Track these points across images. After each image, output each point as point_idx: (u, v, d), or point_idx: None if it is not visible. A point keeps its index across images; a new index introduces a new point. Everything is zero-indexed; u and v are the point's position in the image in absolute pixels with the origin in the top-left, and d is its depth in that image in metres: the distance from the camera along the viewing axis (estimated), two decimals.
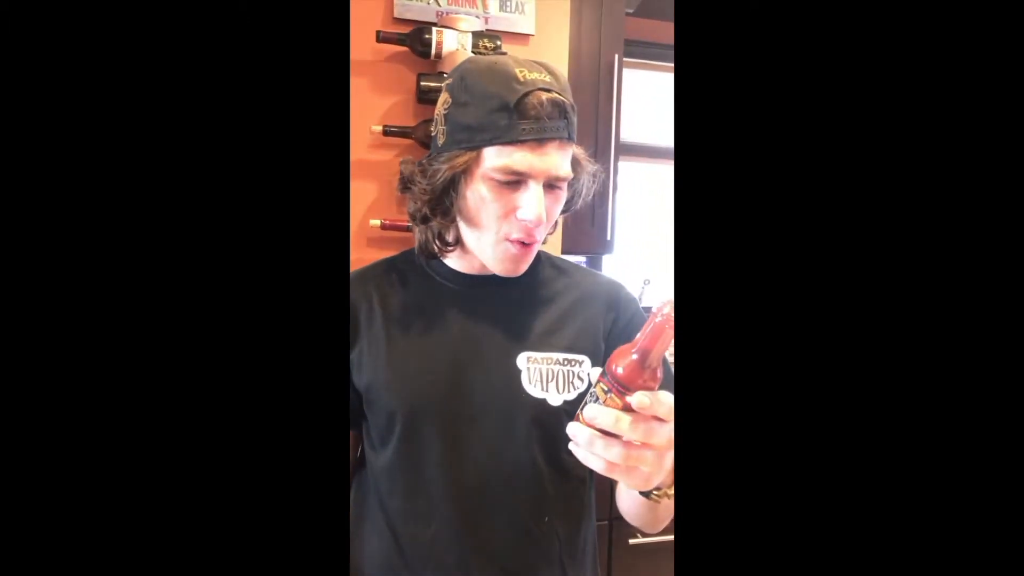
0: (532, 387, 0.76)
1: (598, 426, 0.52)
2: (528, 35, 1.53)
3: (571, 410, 0.76)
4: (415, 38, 1.38)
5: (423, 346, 0.78)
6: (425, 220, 0.78)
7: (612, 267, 2.18)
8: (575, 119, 0.74)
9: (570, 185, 0.78)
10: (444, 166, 0.73)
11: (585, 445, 0.53)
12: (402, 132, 1.39)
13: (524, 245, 0.76)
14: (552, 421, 0.76)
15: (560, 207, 0.77)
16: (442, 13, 1.44)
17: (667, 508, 0.68)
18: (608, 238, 1.80)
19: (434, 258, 0.83)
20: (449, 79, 0.76)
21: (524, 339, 0.79)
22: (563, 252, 1.68)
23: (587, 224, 1.76)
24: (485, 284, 0.82)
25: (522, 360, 0.77)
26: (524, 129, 0.69)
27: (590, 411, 0.53)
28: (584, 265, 2.10)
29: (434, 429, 0.75)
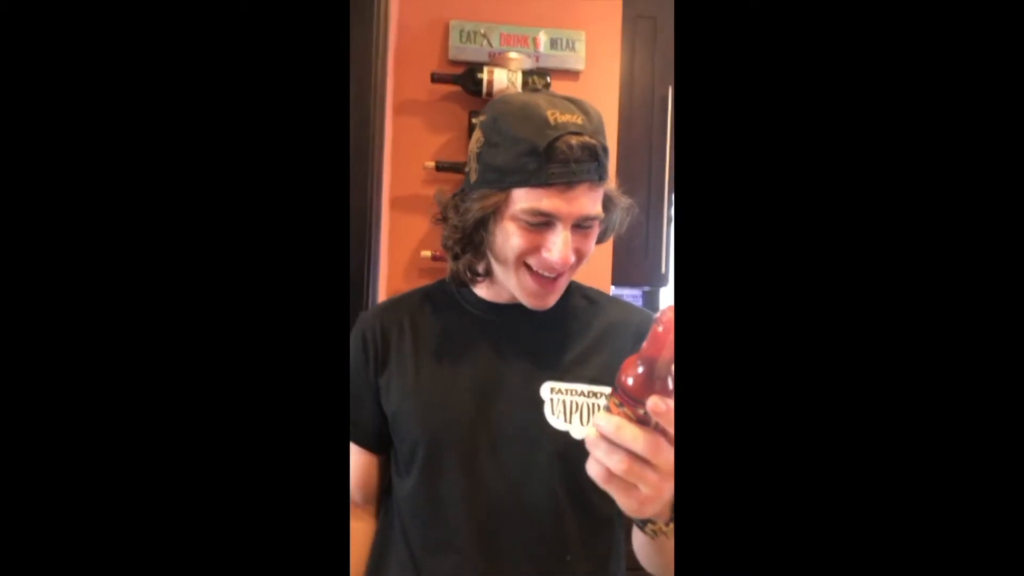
0: (555, 419, 0.75)
1: (601, 432, 0.51)
2: (578, 71, 1.56)
3: None
4: (467, 78, 1.44)
5: (449, 374, 0.79)
6: (456, 257, 0.81)
7: (669, 301, 2.13)
8: (606, 160, 0.74)
9: (601, 221, 0.78)
10: (475, 206, 0.75)
11: (589, 446, 0.52)
12: (453, 167, 1.44)
13: (546, 279, 0.76)
14: (575, 454, 0.73)
15: (591, 244, 0.77)
16: (494, 53, 1.49)
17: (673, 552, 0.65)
18: (662, 271, 1.77)
19: (465, 287, 0.85)
20: (483, 116, 0.78)
21: (549, 369, 0.78)
22: (614, 284, 1.67)
23: (640, 257, 1.74)
24: (512, 313, 0.82)
25: (546, 390, 0.76)
26: (553, 173, 0.69)
27: (598, 417, 0.52)
28: (640, 298, 2.07)
29: (455, 458, 0.75)
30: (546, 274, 0.75)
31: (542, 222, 0.72)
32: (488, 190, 0.74)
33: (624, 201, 0.81)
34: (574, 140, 0.70)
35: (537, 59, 1.52)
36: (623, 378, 0.52)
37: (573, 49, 1.55)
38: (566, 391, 0.77)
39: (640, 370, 0.51)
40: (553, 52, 1.54)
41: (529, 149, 0.70)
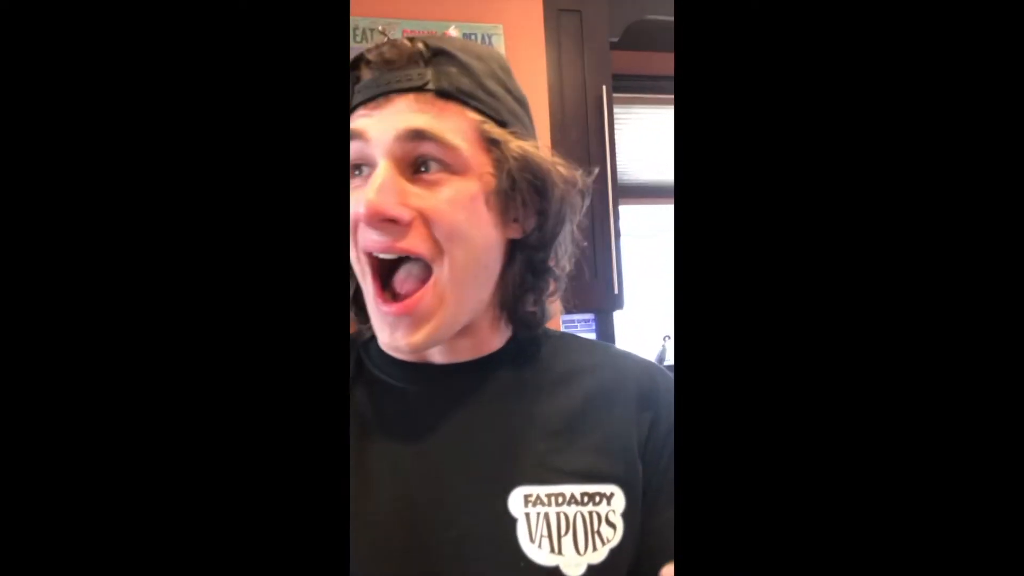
0: (535, 547, 0.47)
1: None
2: None
3: None
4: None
5: (359, 488, 0.49)
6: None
7: (625, 325, 1.93)
8: (457, 69, 0.49)
9: (509, 192, 0.49)
10: None
11: None
12: None
13: (388, 294, 0.48)
14: None
15: (454, 209, 0.47)
16: None
17: None
18: (616, 291, 1.55)
19: (371, 339, 0.56)
20: None
21: (516, 464, 0.49)
22: (564, 311, 1.45)
23: (588, 276, 1.52)
24: (446, 377, 0.53)
25: (517, 501, 0.48)
26: (359, 89, 0.48)
27: None
28: (592, 323, 1.85)
29: None
30: (378, 255, 0.48)
31: (358, 162, 0.48)
32: None
33: (562, 170, 0.52)
34: (387, 47, 0.48)
35: None
36: None
37: (489, 43, 1.34)
38: (548, 498, 0.48)
39: None
40: None
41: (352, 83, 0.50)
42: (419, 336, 0.48)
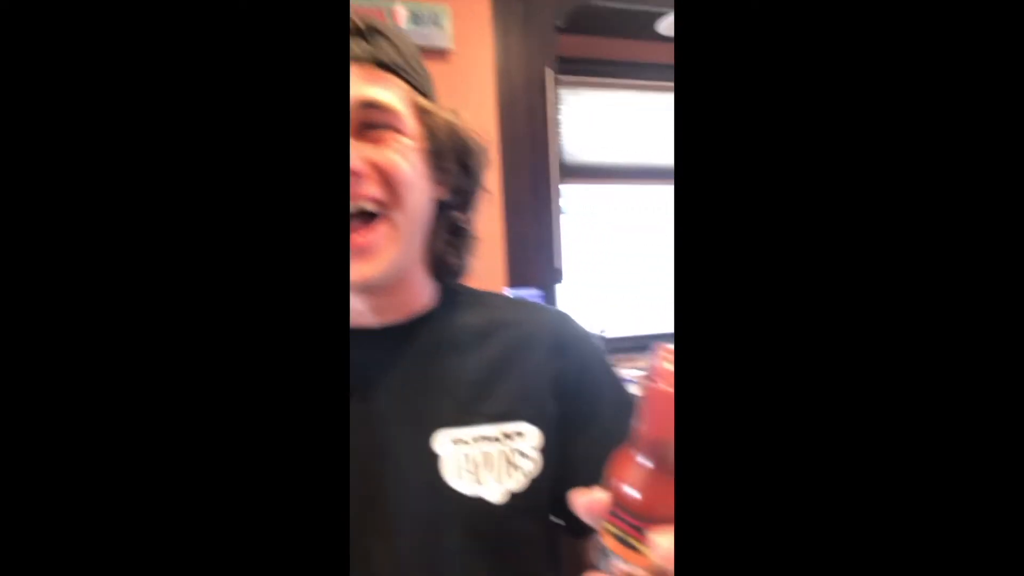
0: (459, 480, 0.55)
1: None
2: (446, 50, 1.39)
3: (520, 505, 0.55)
4: None
5: None
6: None
7: (566, 302, 2.01)
8: (389, 45, 0.56)
9: (438, 155, 0.57)
10: None
11: None
12: None
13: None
14: (495, 526, 0.55)
15: (402, 163, 0.54)
16: None
17: None
18: (556, 266, 1.63)
19: None
20: None
21: (440, 410, 0.57)
22: (511, 286, 1.51)
23: (530, 251, 1.59)
24: (381, 338, 0.61)
25: (441, 442, 0.57)
26: None
27: None
28: (540, 299, 1.93)
29: None
30: None
31: None
32: None
33: (478, 140, 0.61)
34: None
35: None
36: (622, 490, 0.33)
37: (438, 24, 1.38)
38: (469, 438, 0.56)
39: (647, 466, 0.32)
40: (415, 27, 1.36)
41: None
42: (369, 268, 0.55)
